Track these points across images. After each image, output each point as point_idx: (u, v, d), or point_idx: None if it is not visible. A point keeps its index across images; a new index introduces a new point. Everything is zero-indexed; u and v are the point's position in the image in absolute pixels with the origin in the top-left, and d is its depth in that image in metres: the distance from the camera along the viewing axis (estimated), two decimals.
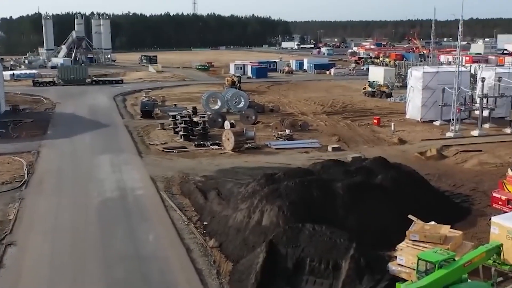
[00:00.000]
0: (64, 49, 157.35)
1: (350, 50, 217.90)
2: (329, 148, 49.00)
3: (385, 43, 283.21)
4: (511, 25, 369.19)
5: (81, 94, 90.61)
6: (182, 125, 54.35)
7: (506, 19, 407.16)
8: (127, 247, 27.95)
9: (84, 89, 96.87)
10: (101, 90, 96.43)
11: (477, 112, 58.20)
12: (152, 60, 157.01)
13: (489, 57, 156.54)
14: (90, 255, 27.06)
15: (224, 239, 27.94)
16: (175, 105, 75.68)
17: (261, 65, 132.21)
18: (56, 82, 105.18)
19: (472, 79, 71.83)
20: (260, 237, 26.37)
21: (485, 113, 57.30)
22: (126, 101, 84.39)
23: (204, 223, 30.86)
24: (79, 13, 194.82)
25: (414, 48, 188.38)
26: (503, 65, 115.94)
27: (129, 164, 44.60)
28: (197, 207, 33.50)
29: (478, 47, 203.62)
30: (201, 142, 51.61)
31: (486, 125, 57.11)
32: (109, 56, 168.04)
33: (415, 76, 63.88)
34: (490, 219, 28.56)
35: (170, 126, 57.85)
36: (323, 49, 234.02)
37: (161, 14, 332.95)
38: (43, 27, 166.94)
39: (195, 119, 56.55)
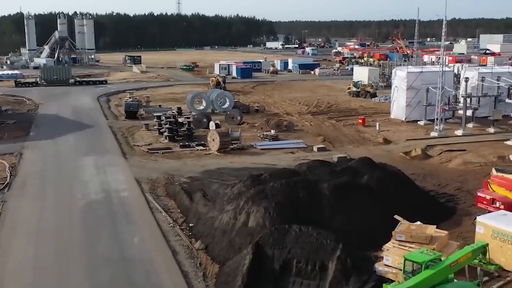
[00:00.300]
0: (46, 49, 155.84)
1: (334, 50, 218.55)
2: (315, 148, 49.01)
3: (369, 43, 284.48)
4: (493, 25, 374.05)
5: (65, 94, 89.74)
6: (167, 125, 54.01)
7: (488, 19, 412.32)
8: (112, 249, 27.66)
9: (67, 90, 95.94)
10: (85, 90, 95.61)
11: (460, 112, 58.63)
12: (136, 60, 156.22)
13: (472, 57, 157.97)
14: (74, 258, 26.72)
15: (210, 241, 27.78)
16: (160, 105, 75.27)
17: (246, 65, 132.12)
18: (38, 82, 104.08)
19: (455, 79, 72.32)
20: (247, 238, 26.26)
21: (469, 112, 57.71)
22: (110, 102, 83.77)
23: (190, 225, 30.66)
24: (62, 13, 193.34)
25: (398, 48, 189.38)
26: (486, 65, 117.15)
27: (114, 165, 44.20)
28: (182, 208, 33.28)
29: (461, 47, 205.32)
30: (186, 143, 51.35)
31: (470, 125, 57.53)
32: (92, 56, 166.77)
33: (400, 76, 64.18)
34: (475, 218, 28.80)
35: (155, 127, 57.50)
36: (308, 49, 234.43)
37: (145, 14, 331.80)
38: (25, 27, 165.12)
39: (180, 120, 56.20)
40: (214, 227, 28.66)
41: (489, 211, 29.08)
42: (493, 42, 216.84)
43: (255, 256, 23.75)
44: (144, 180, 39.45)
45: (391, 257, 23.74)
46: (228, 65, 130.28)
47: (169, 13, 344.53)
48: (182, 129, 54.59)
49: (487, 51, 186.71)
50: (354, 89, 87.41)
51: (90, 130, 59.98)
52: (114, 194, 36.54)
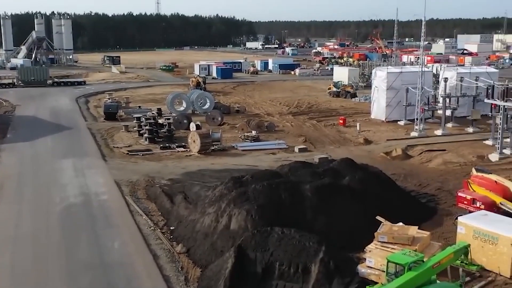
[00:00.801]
0: (23, 49, 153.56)
1: (314, 50, 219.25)
2: (296, 149, 48.95)
3: (348, 43, 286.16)
4: (470, 25, 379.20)
5: (42, 96, 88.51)
6: (147, 127, 53.50)
7: (465, 20, 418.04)
8: (91, 254, 27.16)
9: (45, 91, 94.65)
10: (63, 91, 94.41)
11: (440, 112, 59.07)
12: (115, 61, 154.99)
13: (450, 57, 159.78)
14: (53, 264, 26.18)
15: (191, 244, 27.46)
16: (140, 106, 74.62)
17: (226, 66, 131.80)
18: (15, 83, 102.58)
19: (434, 79, 72.89)
20: (229, 241, 26.02)
21: (448, 112, 58.17)
22: (89, 103, 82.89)
23: (171, 228, 30.30)
24: (39, 12, 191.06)
25: (377, 48, 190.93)
26: (463, 65, 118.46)
27: (93, 168, 43.59)
28: (163, 211, 32.90)
29: (439, 47, 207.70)
30: (167, 145, 50.91)
31: (449, 125, 57.99)
32: (70, 56, 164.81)
33: (380, 76, 64.46)
34: (456, 218, 28.94)
35: (135, 129, 56.94)
36: (288, 49, 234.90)
37: (124, 14, 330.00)
38: (2, 27, 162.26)
39: (160, 121, 55.73)
40: (195, 230, 28.36)
41: (470, 211, 29.21)
42: (470, 42, 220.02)
43: (237, 259, 23.52)
44: (124, 182, 38.96)
45: (374, 259, 23.69)
46: (208, 65, 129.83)
47: (148, 13, 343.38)
48: (162, 130, 54.14)
49: (465, 51, 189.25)
50: (335, 89, 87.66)
51: (68, 132, 59.15)
52: (94, 197, 35.99)
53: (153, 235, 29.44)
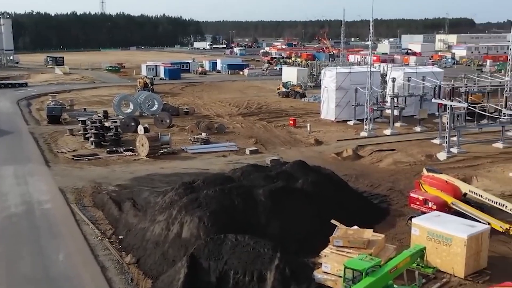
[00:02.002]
0: None
1: (262, 50, 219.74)
2: (247, 151, 48.33)
3: (296, 43, 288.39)
4: (413, 25, 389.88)
5: None
6: (92, 130, 51.69)
7: (407, 20, 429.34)
8: (34, 267, 25.70)
9: None
10: (3, 94, 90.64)
11: (388, 111, 59.73)
12: (59, 62, 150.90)
13: (395, 56, 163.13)
14: None
15: (141, 254, 26.38)
16: (85, 109, 72.41)
17: (174, 66, 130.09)
18: None
19: (381, 79, 73.80)
20: (180, 250, 25.12)
21: (396, 112, 58.87)
22: (31, 106, 79.87)
23: (120, 237, 29.10)
24: None
25: (324, 48, 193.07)
26: (408, 65, 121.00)
27: (35, 175, 41.67)
28: (111, 219, 31.60)
29: (384, 46, 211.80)
30: (114, 149, 49.31)
31: (397, 124, 58.70)
32: (11, 57, 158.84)
33: (329, 76, 64.65)
34: (409, 219, 29.02)
35: (80, 132, 55.00)
36: (236, 49, 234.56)
37: (67, 13, 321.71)
38: None
39: (106, 124, 54.03)
40: (145, 239, 27.29)
41: (422, 212, 29.31)
42: (414, 42, 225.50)
43: (190, 269, 22.72)
44: (69, 189, 37.38)
45: (330, 264, 23.31)
46: (156, 65, 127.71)
47: (92, 13, 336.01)
48: (109, 133, 52.53)
49: (409, 51, 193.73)
50: (284, 89, 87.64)
51: (9, 137, 56.55)
52: (37, 206, 34.29)
53: (100, 245, 28.15)
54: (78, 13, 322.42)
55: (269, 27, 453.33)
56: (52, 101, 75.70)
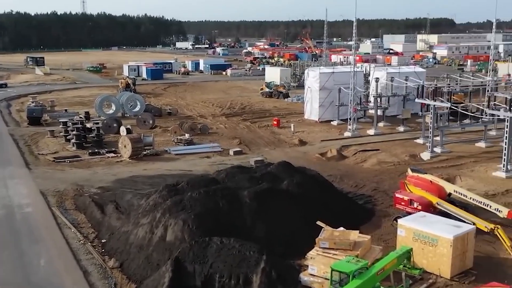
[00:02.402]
0: None
1: (245, 50, 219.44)
2: (231, 152, 48.00)
3: (278, 43, 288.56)
4: (394, 25, 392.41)
5: None
6: (74, 132, 50.96)
7: (389, 20, 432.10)
8: (15, 273, 25.12)
9: None
10: None
11: (372, 111, 59.80)
12: (39, 62, 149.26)
13: (377, 56, 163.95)
14: None
15: (125, 258, 25.93)
16: (66, 110, 71.41)
17: (156, 66, 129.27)
18: None
19: (364, 79, 73.90)
20: (165, 254, 24.74)
21: (379, 112, 58.94)
22: (10, 107, 78.71)
23: (102, 240, 28.60)
24: None
25: (307, 48, 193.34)
26: (391, 65, 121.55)
27: (15, 177, 40.92)
28: (93, 223, 31.08)
29: (366, 47, 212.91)
30: (96, 150, 48.68)
31: (381, 124, 58.81)
32: None
33: (312, 76, 64.56)
34: (395, 220, 28.98)
35: (61, 134, 54.20)
36: (218, 49, 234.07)
37: (47, 13, 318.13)
38: None
39: (88, 125, 53.31)
40: (129, 243, 26.85)
41: (408, 212, 29.26)
42: (395, 42, 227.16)
43: (175, 272, 22.39)
44: (50, 192, 36.74)
45: (317, 266, 23.14)
46: (138, 66, 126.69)
47: (73, 12, 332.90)
48: (90, 135, 51.85)
49: (391, 51, 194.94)
50: (267, 89, 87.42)
51: None
52: (17, 210, 33.63)
53: (83, 249, 27.63)
54: (58, 13, 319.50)
55: (252, 27, 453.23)
56: (33, 102, 74.70)
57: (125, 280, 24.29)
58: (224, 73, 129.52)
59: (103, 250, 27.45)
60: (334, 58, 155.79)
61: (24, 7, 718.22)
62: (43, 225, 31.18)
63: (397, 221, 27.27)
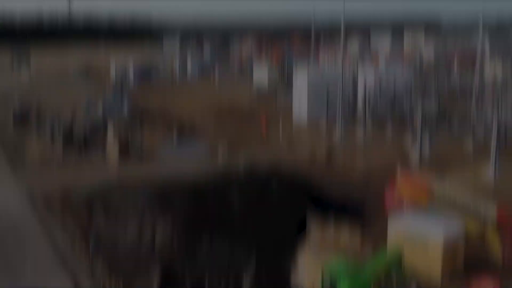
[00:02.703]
0: None
1: (234, 52, 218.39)
2: (219, 154, 47.68)
3: (267, 44, 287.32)
4: (381, 26, 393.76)
5: None
6: (61, 134, 50.47)
7: (376, 21, 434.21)
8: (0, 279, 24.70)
9: None
10: None
11: (360, 113, 59.60)
12: (25, 63, 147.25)
13: (365, 57, 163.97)
14: None
15: (113, 261, 25.59)
16: (53, 112, 70.28)
17: (144, 68, 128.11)
18: None
19: (353, 79, 73.73)
20: (154, 256, 24.48)
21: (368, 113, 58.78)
22: None
23: (90, 243, 28.19)
24: None
25: (296, 49, 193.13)
26: (378, 65, 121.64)
27: (1, 180, 40.62)
28: (81, 225, 30.65)
29: (354, 47, 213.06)
30: (83, 152, 48.12)
31: (370, 125, 58.71)
32: None
33: (301, 77, 64.38)
34: (385, 221, 28.89)
35: (48, 136, 53.34)
36: (207, 51, 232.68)
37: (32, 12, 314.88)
38: None
39: (75, 128, 52.75)
40: (117, 246, 26.53)
41: (398, 212, 29.21)
42: (382, 43, 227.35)
43: (164, 275, 22.14)
44: (37, 194, 36.24)
45: (307, 267, 22.98)
46: (125, 68, 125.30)
47: (59, 13, 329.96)
48: (78, 137, 51.20)
49: (379, 52, 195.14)
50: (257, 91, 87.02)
51: None
52: (3, 213, 33.18)
53: (70, 252, 27.23)
54: (43, 14, 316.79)
55: (241, 27, 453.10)
56: (19, 104, 73.75)
57: (113, 283, 23.93)
58: (213, 74, 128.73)
59: (90, 253, 27.06)
60: (323, 59, 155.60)
61: (10, 6, 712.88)
62: (29, 228, 30.81)
63: (388, 222, 27.20)
